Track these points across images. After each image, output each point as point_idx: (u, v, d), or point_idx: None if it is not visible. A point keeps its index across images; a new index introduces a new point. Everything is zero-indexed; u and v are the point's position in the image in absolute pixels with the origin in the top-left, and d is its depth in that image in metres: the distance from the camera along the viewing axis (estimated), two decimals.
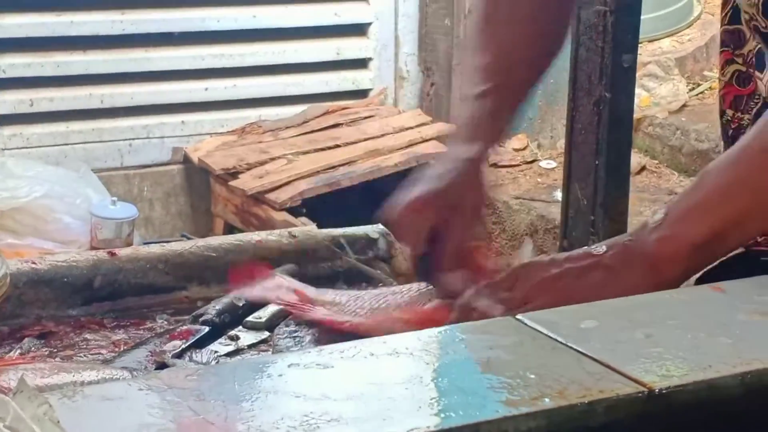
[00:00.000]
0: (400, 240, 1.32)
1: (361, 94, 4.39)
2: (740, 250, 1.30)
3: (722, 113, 1.34)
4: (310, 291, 1.36)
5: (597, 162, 2.22)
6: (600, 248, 1.10)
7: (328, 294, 1.35)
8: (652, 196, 3.92)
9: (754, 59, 1.28)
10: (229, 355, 1.28)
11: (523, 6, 1.37)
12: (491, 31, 1.38)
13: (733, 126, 1.32)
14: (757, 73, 1.28)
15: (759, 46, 1.26)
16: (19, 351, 1.30)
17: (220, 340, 1.32)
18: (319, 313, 1.30)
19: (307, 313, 1.30)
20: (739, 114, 1.30)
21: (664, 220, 1.07)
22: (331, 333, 1.24)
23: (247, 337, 1.32)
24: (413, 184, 1.28)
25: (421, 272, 1.29)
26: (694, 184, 1.11)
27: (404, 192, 1.28)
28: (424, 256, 1.27)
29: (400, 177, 3.99)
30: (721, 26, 1.32)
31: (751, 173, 1.08)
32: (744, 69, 1.29)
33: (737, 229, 1.08)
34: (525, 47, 1.36)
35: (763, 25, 1.24)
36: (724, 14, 1.31)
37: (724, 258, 1.17)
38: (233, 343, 1.31)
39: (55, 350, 1.31)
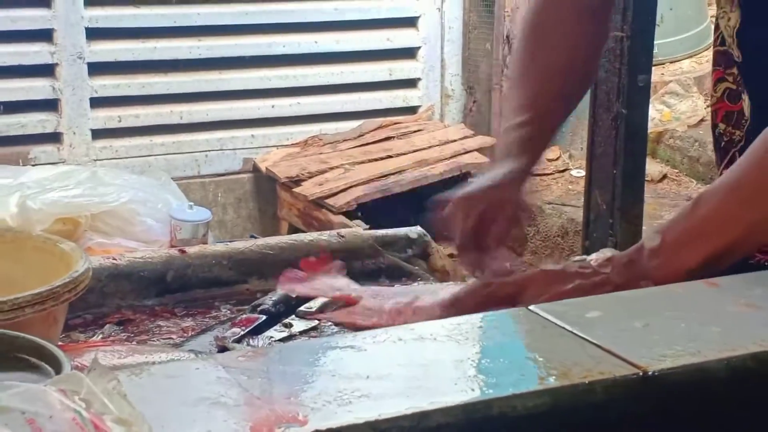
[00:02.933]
0: (448, 230, 1.31)
1: (411, 110, 4.40)
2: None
3: (714, 126, 1.33)
4: (353, 290, 1.38)
5: (615, 171, 2.21)
6: (606, 266, 1.09)
7: (368, 295, 1.36)
8: (672, 202, 3.89)
9: (741, 79, 1.27)
10: (282, 340, 1.30)
11: (560, 44, 1.36)
12: (532, 66, 1.37)
13: (725, 139, 1.31)
14: (744, 93, 1.27)
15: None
16: (101, 335, 1.33)
17: (275, 327, 1.34)
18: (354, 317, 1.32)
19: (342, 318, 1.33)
20: (730, 128, 1.29)
21: (661, 248, 1.07)
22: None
23: (299, 325, 1.34)
24: (458, 191, 1.30)
25: (465, 258, 1.28)
26: (688, 209, 1.09)
27: (451, 194, 1.29)
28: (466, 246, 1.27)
29: (444, 184, 3.99)
30: (713, 47, 1.31)
31: (741, 206, 1.06)
32: (734, 87, 1.29)
33: (729, 254, 1.07)
34: (561, 81, 1.35)
35: (737, 54, 1.24)
36: (715, 36, 1.30)
37: None
38: (287, 330, 1.33)
39: (132, 335, 1.34)
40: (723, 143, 1.31)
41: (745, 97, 1.25)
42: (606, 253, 1.14)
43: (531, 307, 0.94)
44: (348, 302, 1.34)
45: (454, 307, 1.13)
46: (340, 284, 1.40)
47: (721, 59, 1.30)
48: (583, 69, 1.40)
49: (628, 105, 2.16)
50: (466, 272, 1.35)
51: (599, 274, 1.09)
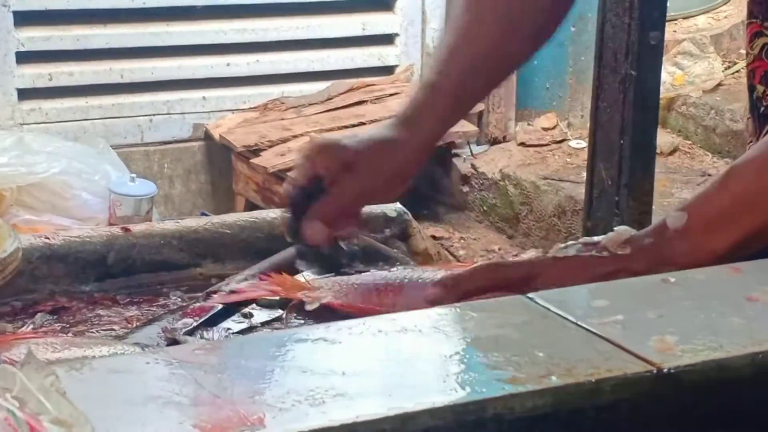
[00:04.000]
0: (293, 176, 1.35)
1: (387, 70, 4.39)
2: None
3: (752, 88, 1.31)
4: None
5: (622, 141, 2.22)
6: (624, 248, 1.10)
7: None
8: (685, 177, 3.91)
9: None
10: (242, 332, 1.31)
11: (504, 3, 1.34)
12: (460, 19, 1.36)
13: (764, 103, 1.29)
14: None
15: None
16: (31, 326, 1.32)
17: (233, 317, 1.34)
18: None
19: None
20: None
21: (689, 230, 1.07)
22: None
23: (260, 315, 1.34)
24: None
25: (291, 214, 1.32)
26: (718, 183, 1.10)
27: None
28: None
29: None
30: None
31: None
32: None
33: (760, 237, 1.07)
34: (490, 46, 1.33)
35: None
36: None
37: None
38: (246, 320, 1.33)
39: (68, 326, 1.33)
40: (762, 109, 1.30)
41: None
42: (621, 233, 1.14)
43: (530, 295, 0.94)
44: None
45: (453, 287, 1.13)
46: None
47: (758, 9, 1.28)
48: (529, 36, 1.37)
49: (638, 66, 2.16)
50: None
51: (617, 259, 1.09)
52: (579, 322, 0.89)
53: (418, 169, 1.33)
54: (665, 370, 0.82)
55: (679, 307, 0.94)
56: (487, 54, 1.33)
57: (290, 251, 1.46)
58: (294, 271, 1.40)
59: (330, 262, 1.39)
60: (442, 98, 1.31)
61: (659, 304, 0.94)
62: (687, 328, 0.89)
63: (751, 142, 1.34)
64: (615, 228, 1.14)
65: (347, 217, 1.34)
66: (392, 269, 1.45)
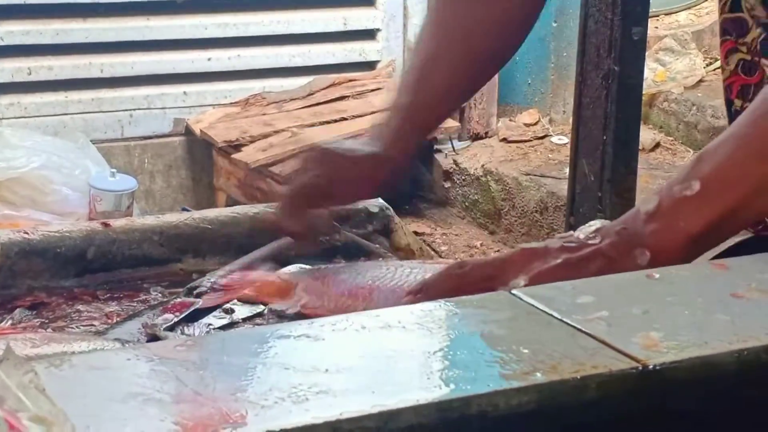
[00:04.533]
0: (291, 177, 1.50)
1: (369, 65, 4.39)
2: (747, 234, 1.30)
3: (729, 103, 1.33)
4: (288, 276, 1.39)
5: (605, 137, 2.22)
6: (594, 237, 1.10)
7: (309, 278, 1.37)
8: (666, 174, 3.92)
9: (759, 47, 1.27)
10: (223, 328, 1.30)
11: (469, 23, 1.44)
12: (428, 38, 1.47)
13: None
14: (764, 61, 1.27)
15: (763, 34, 1.25)
16: (10, 321, 1.31)
17: (214, 313, 1.33)
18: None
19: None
20: (747, 104, 1.28)
21: (658, 210, 1.07)
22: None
23: (242, 311, 1.33)
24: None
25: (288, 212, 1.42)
26: (687, 170, 1.09)
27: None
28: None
29: None
30: (720, 15, 1.31)
31: (746, 161, 1.06)
32: (749, 58, 1.28)
33: (734, 217, 1.07)
34: (456, 66, 1.44)
35: (764, 14, 1.24)
36: (723, 2, 1.30)
37: (732, 244, 1.17)
38: (228, 316, 1.32)
39: (47, 321, 1.32)
40: None
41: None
42: (595, 224, 1.14)
43: (514, 291, 0.94)
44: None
45: (423, 293, 1.13)
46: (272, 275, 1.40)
47: (732, 27, 1.30)
48: (496, 55, 1.50)
49: (621, 61, 2.16)
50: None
51: (587, 246, 1.09)
52: (564, 319, 0.89)
53: (383, 178, 1.45)
54: (650, 367, 0.82)
55: (664, 304, 0.93)
56: (451, 81, 1.44)
57: (273, 245, 1.46)
58: (280, 264, 1.41)
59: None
60: (409, 122, 1.43)
61: (644, 300, 0.94)
62: (672, 325, 0.88)
63: None
64: (589, 222, 1.14)
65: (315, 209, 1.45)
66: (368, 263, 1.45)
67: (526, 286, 1.06)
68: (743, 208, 1.07)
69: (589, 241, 1.09)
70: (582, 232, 1.12)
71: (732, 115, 1.34)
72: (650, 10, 2.37)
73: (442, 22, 1.46)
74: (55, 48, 3.93)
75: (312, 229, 1.44)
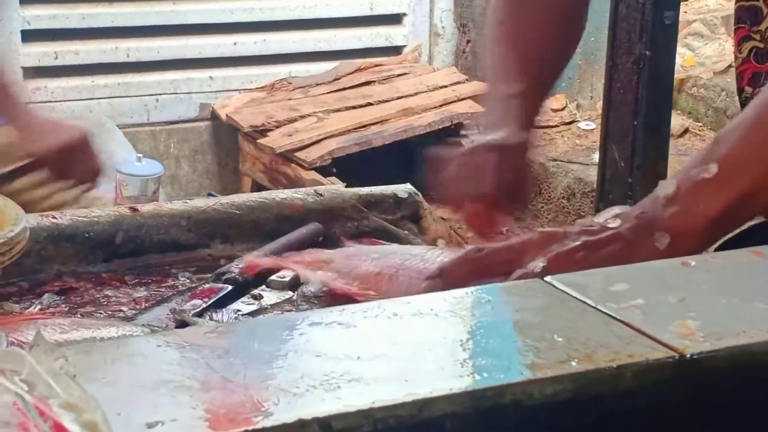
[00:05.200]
0: (449, 191, 1.40)
1: (395, 50, 4.37)
2: (760, 219, 1.30)
3: (741, 90, 1.35)
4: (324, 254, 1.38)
5: (635, 122, 2.21)
6: (613, 221, 1.10)
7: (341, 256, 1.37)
8: None
9: None
10: (251, 314, 1.29)
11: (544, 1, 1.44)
12: (517, 28, 1.45)
13: None
14: None
15: None
16: (39, 306, 1.31)
17: (242, 299, 1.33)
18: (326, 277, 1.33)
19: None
20: (758, 91, 1.29)
21: (677, 194, 1.07)
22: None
23: (270, 297, 1.33)
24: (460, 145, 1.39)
25: (476, 221, 1.37)
26: (704, 153, 1.10)
27: (450, 148, 1.39)
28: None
29: (433, 137, 3.98)
30: (735, 3, 1.33)
31: (764, 141, 1.07)
32: (762, 46, 1.30)
33: (752, 200, 1.07)
34: (551, 44, 1.45)
35: None
36: None
37: (744, 227, 1.17)
38: (256, 302, 1.32)
39: (75, 306, 1.33)
40: None
41: None
42: (614, 210, 1.14)
43: (547, 279, 0.93)
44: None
45: (441, 278, 1.12)
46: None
47: (746, 15, 1.32)
48: (575, 25, 1.50)
49: (652, 46, 2.14)
50: (470, 238, 1.38)
51: (607, 229, 1.09)
52: (598, 306, 0.88)
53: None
54: (687, 356, 0.81)
55: (700, 291, 0.92)
56: (549, 54, 1.45)
57: (302, 231, 1.46)
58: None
59: None
60: (529, 103, 1.41)
61: (680, 288, 0.92)
62: (709, 313, 0.87)
63: None
64: (608, 209, 1.14)
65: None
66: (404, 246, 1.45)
67: (544, 268, 1.06)
68: (762, 190, 1.07)
69: (609, 225, 1.09)
70: (601, 217, 1.12)
71: (743, 103, 1.35)
72: None
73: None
74: (82, 32, 3.93)
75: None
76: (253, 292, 1.34)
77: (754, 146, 1.07)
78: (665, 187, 1.09)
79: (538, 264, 1.07)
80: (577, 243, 1.08)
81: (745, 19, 1.32)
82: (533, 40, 1.43)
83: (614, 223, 1.09)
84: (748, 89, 1.33)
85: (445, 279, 1.12)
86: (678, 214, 1.06)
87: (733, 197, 1.06)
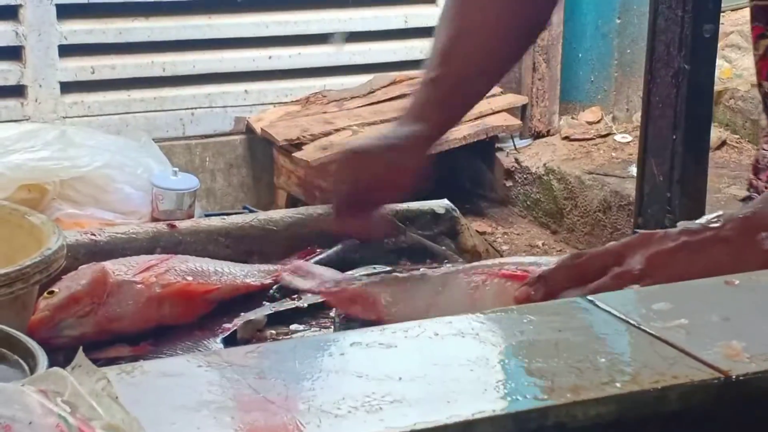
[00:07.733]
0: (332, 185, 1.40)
1: None
2: None
3: (759, 85, 1.37)
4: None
5: (675, 137, 2.19)
6: (716, 222, 1.08)
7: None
8: (733, 173, 3.86)
9: None
10: (287, 312, 1.31)
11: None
12: (458, 12, 1.40)
13: None
14: None
15: None
16: None
17: (276, 303, 1.35)
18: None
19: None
20: None
21: None
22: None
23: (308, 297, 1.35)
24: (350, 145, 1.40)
25: (341, 220, 1.37)
26: None
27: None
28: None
29: (468, 149, 3.97)
30: (751, 1, 1.35)
31: None
32: None
33: None
34: (488, 37, 1.38)
35: None
36: None
37: None
38: (293, 302, 1.34)
39: None
40: None
41: None
42: (719, 213, 1.12)
43: (589, 298, 0.92)
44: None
45: (540, 284, 1.11)
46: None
47: (762, 14, 1.34)
48: (526, 25, 1.43)
49: (691, 59, 2.13)
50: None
51: (708, 230, 1.07)
52: (642, 326, 0.87)
53: (427, 162, 1.36)
54: (733, 378, 0.80)
55: (745, 311, 0.91)
56: (486, 46, 1.38)
57: (339, 248, 1.46)
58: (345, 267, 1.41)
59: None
60: (445, 92, 1.36)
61: (723, 307, 0.91)
62: (754, 333, 0.86)
63: (766, 136, 1.40)
64: (714, 213, 1.13)
65: (367, 212, 1.38)
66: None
67: (642, 269, 1.05)
68: None
69: (711, 225, 1.07)
70: (703, 217, 1.11)
71: (763, 97, 1.36)
72: None
73: None
74: (118, 47, 3.95)
75: (372, 229, 1.41)
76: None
77: None
78: None
79: (636, 265, 1.06)
80: (678, 243, 1.07)
81: (760, 18, 1.35)
82: (466, 26, 1.38)
83: (716, 224, 1.08)
84: (766, 84, 1.36)
85: (544, 284, 1.11)
86: None
87: None
